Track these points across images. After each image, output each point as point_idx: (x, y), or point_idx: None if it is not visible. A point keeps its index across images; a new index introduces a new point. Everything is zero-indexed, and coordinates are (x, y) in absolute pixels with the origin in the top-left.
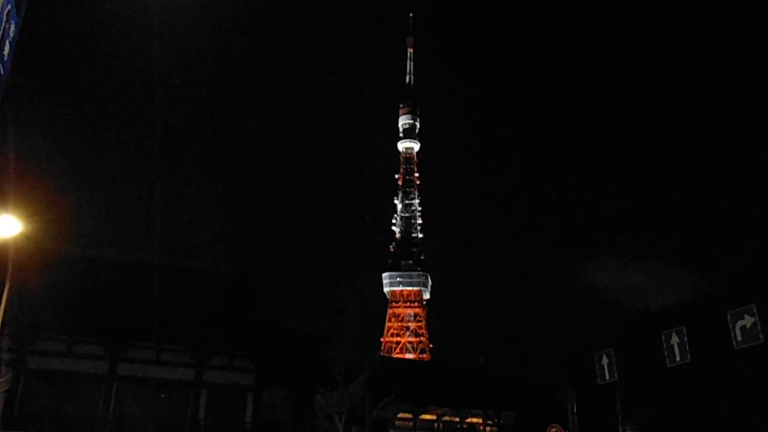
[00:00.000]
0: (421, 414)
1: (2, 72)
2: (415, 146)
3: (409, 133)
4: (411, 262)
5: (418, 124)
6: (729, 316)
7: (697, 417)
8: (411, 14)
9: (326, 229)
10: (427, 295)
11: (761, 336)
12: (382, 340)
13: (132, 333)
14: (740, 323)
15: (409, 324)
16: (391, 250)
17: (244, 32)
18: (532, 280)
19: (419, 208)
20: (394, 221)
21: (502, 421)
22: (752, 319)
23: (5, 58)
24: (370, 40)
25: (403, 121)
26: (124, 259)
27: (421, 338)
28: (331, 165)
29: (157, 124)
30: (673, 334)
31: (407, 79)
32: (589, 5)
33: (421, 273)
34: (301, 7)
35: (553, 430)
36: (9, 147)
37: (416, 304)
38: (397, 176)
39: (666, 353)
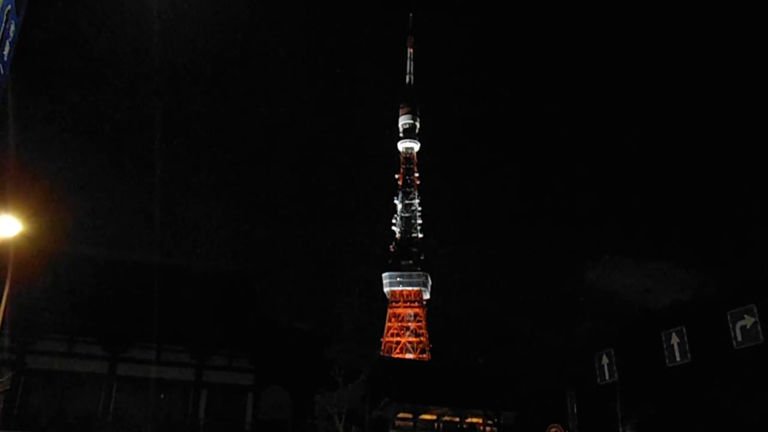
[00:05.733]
0: (421, 414)
1: (2, 72)
2: (415, 146)
3: (409, 133)
4: (411, 262)
5: (418, 124)
6: (729, 316)
7: (697, 417)
8: (411, 14)
9: (326, 229)
10: (427, 295)
11: (761, 336)
12: (382, 340)
13: (132, 333)
14: (740, 323)
15: (409, 324)
16: (391, 250)
17: (244, 32)
18: (532, 280)
19: (419, 208)
20: (394, 221)
21: (502, 421)
22: (752, 319)
23: (5, 59)
24: (370, 40)
25: (403, 121)
26: (124, 259)
27: (421, 338)
28: (331, 165)
29: (157, 124)
30: (673, 334)
31: (407, 79)
32: (589, 5)
33: (421, 273)
34: (300, 7)
35: (553, 430)
36: (9, 147)
37: (416, 304)
38: (397, 176)
39: (666, 353)
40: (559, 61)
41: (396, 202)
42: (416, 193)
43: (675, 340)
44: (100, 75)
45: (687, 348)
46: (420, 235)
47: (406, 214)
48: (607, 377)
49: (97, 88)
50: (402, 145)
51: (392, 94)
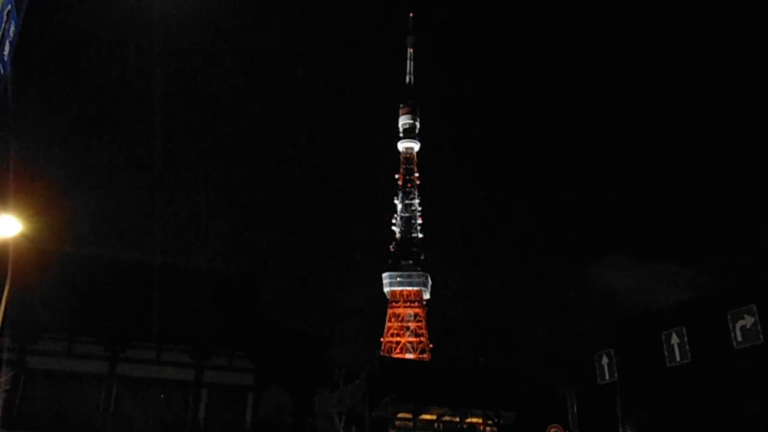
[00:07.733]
0: (421, 414)
1: (2, 72)
2: (415, 146)
3: (409, 133)
4: (411, 262)
5: (418, 124)
6: (729, 316)
7: (697, 417)
8: (411, 14)
9: (326, 229)
10: (427, 295)
11: (761, 336)
12: (382, 340)
13: (132, 333)
14: (740, 323)
15: (409, 324)
16: (391, 250)
17: (244, 32)
18: (532, 280)
19: (419, 208)
20: (394, 221)
21: (502, 421)
22: (752, 319)
23: (5, 58)
24: (370, 40)
25: (403, 121)
26: (124, 259)
27: (421, 338)
28: (332, 165)
29: (156, 124)
30: (673, 334)
31: (407, 79)
32: (589, 5)
33: (421, 273)
34: (301, 7)
35: (553, 430)
36: (9, 147)
37: (416, 304)
38: (397, 176)
39: (666, 353)
40: (560, 61)
41: (396, 202)
42: (416, 193)
43: (675, 340)
44: (100, 75)
45: (687, 348)
46: (420, 235)
47: (406, 214)
48: (607, 377)
49: (97, 88)
50: (402, 145)
51: (392, 94)
